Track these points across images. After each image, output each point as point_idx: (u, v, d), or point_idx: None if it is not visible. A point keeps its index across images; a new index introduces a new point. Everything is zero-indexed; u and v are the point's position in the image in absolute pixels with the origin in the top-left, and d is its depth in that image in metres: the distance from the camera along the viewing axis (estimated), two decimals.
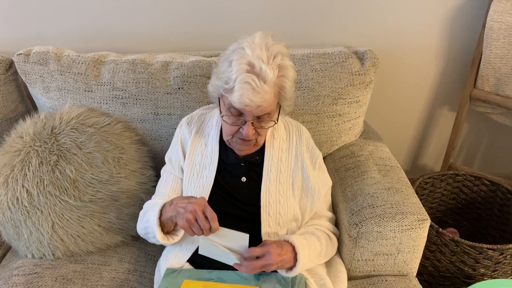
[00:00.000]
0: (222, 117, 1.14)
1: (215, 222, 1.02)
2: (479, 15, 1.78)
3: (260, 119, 1.12)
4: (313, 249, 1.17)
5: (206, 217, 1.03)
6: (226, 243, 1.07)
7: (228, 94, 1.07)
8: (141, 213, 1.30)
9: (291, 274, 1.10)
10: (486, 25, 1.69)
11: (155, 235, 1.15)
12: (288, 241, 1.13)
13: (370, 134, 1.67)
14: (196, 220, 1.03)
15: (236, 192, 1.22)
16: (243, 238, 1.06)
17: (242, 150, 1.20)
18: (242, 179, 1.23)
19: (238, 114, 1.11)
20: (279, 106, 1.16)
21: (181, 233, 1.19)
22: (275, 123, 1.16)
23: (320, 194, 1.26)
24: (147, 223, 1.20)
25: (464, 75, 1.94)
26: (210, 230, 1.03)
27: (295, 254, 1.10)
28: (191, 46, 1.75)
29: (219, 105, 1.17)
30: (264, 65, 1.04)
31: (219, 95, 1.15)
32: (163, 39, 1.73)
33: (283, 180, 1.23)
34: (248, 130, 1.10)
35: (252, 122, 1.10)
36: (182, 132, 1.31)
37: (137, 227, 1.31)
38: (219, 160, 1.24)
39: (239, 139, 1.16)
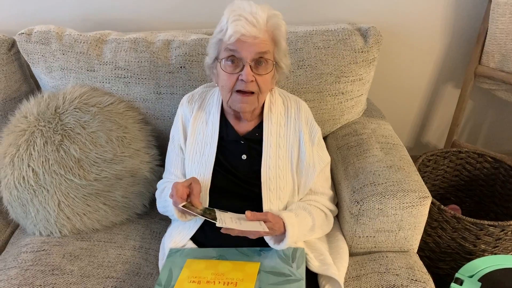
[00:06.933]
0: (220, 63, 1.15)
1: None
2: None
3: (258, 64, 1.13)
4: (304, 225, 1.19)
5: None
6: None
7: (224, 36, 1.11)
8: (157, 192, 1.35)
9: (279, 247, 1.13)
10: (492, 0, 1.66)
11: (173, 213, 1.18)
12: (279, 217, 1.14)
13: (373, 112, 1.67)
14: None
15: (237, 170, 1.23)
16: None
17: (243, 107, 1.18)
18: (242, 157, 1.24)
19: (236, 62, 1.12)
20: (275, 64, 1.18)
21: None
22: (273, 69, 1.17)
23: (315, 170, 1.26)
24: (166, 202, 1.24)
25: (469, 52, 1.92)
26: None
27: (284, 229, 1.12)
28: (193, 23, 1.74)
29: (215, 71, 1.20)
30: (254, 6, 1.10)
31: (217, 52, 1.17)
32: (164, 16, 1.72)
33: (282, 155, 1.24)
34: (247, 71, 1.10)
35: (250, 67, 1.11)
36: (183, 111, 1.32)
37: (157, 205, 1.36)
38: (219, 138, 1.25)
39: (239, 94, 1.15)
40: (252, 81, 1.12)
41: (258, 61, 1.12)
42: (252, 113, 1.24)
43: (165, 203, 1.26)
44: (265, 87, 1.17)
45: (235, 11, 1.10)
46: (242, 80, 1.12)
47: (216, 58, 1.18)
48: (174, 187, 1.08)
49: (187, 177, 1.27)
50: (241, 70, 1.12)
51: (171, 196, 1.09)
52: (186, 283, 1.05)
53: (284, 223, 1.12)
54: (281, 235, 1.13)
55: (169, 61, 1.49)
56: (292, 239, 1.13)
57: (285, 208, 1.23)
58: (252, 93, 1.15)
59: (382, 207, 1.23)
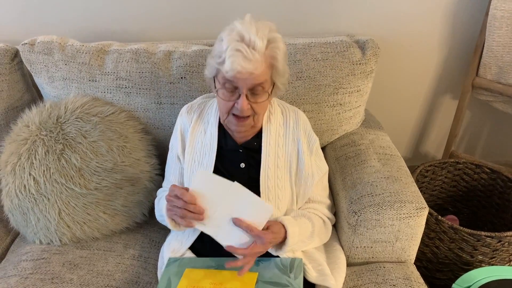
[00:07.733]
0: (217, 92, 1.15)
1: (202, 215, 1.09)
2: (482, 3, 1.77)
3: (254, 93, 1.12)
4: (304, 229, 1.20)
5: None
6: (244, 209, 1.08)
7: (221, 66, 1.09)
8: (156, 200, 1.37)
9: (281, 252, 1.14)
10: (489, 13, 1.69)
11: (168, 224, 1.19)
12: (278, 221, 1.16)
13: (371, 123, 1.69)
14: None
15: (236, 178, 1.24)
16: (266, 209, 1.08)
17: (238, 131, 1.20)
18: (241, 165, 1.25)
19: (233, 90, 1.12)
20: (273, 84, 1.17)
21: None
22: (269, 96, 1.16)
23: (314, 179, 1.27)
24: (161, 212, 1.25)
25: (467, 64, 1.94)
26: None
27: (285, 231, 1.14)
28: (194, 34, 1.76)
29: (214, 85, 1.18)
30: (253, 35, 1.06)
31: (214, 74, 1.16)
32: (166, 27, 1.74)
33: (281, 165, 1.25)
34: (242, 103, 1.10)
35: (246, 96, 1.11)
36: (182, 121, 1.33)
37: (155, 213, 1.37)
38: (218, 146, 1.26)
39: (235, 117, 1.16)
40: (248, 108, 1.13)
41: (255, 89, 1.12)
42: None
43: (161, 212, 1.27)
44: (261, 110, 1.18)
45: (233, 41, 1.07)
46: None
47: (215, 77, 1.17)
48: (171, 187, 1.10)
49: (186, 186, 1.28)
50: (238, 98, 1.12)
51: (167, 197, 1.10)
52: None
53: (283, 224, 1.14)
54: (281, 243, 1.14)
55: (170, 72, 1.51)
56: (293, 240, 1.13)
57: None
58: (248, 116, 1.16)
59: (379, 217, 1.25)
